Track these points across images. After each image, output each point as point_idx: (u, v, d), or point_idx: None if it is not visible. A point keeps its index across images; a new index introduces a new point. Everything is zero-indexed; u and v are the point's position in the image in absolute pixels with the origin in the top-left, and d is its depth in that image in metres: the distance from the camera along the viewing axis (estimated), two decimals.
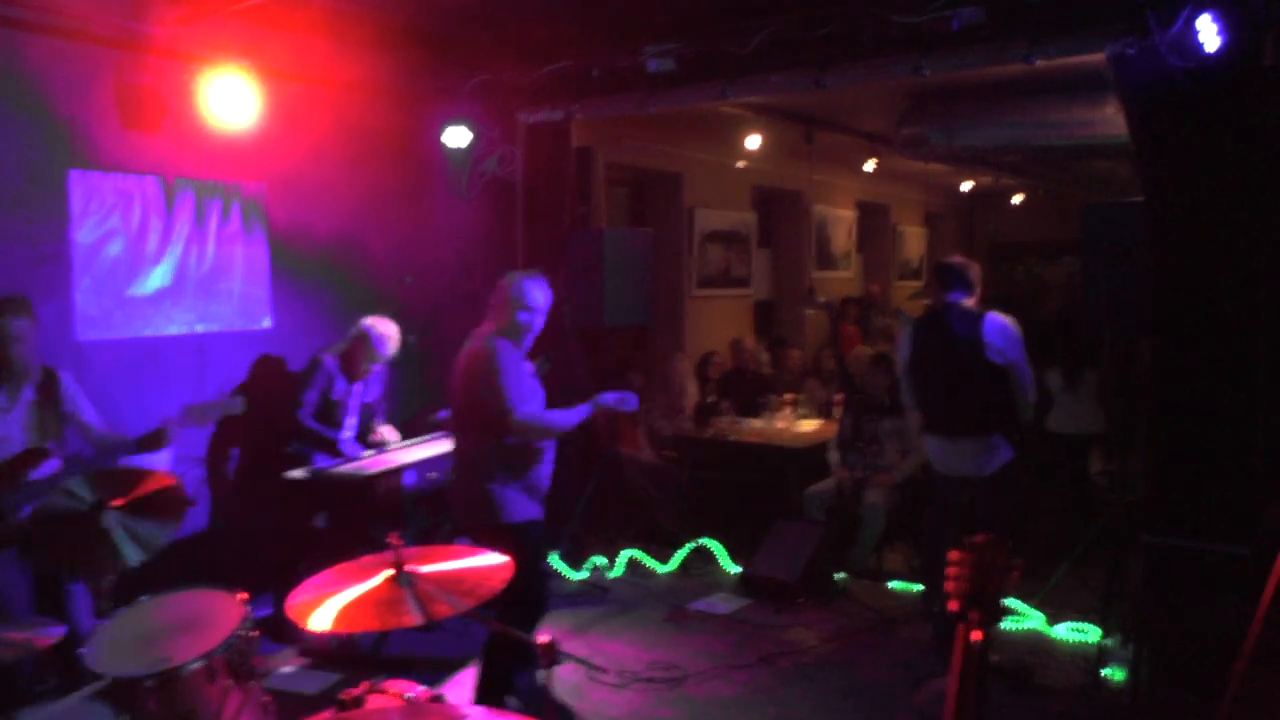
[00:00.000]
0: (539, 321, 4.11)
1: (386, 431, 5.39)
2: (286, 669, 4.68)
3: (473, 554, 2.79)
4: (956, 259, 5.02)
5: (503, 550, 2.79)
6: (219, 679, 2.85)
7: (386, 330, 5.16)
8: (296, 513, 4.96)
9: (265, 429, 5.45)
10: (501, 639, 3.92)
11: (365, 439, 5.33)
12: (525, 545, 3.78)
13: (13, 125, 4.48)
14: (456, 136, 6.16)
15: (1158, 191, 4.43)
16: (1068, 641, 5.02)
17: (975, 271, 4.92)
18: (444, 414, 6.02)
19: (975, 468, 4.71)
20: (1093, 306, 4.74)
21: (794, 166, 10.14)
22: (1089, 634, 4.95)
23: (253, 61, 5.06)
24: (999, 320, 4.67)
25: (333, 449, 5.11)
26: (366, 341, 5.12)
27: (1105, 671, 4.55)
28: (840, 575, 5.95)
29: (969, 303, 4.83)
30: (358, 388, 5.24)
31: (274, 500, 5.18)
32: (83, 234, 4.75)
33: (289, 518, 5.00)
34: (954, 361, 4.73)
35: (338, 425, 5.18)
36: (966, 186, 13.75)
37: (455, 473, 4.20)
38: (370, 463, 5.02)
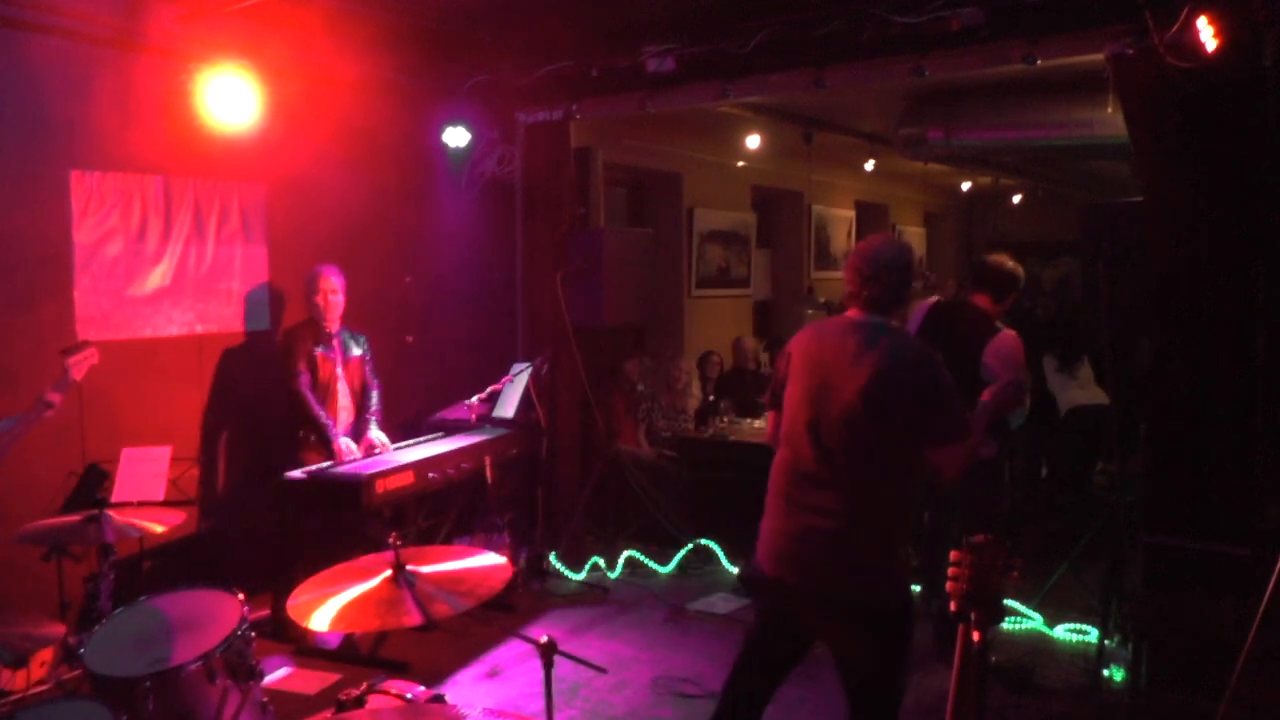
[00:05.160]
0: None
1: (378, 436, 5.36)
2: (285, 669, 4.67)
3: (472, 554, 2.78)
4: (1008, 263, 4.80)
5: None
6: (218, 679, 2.85)
7: (324, 266, 5.24)
8: (294, 513, 4.95)
9: (264, 430, 5.45)
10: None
11: (357, 434, 5.31)
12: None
13: (13, 125, 4.47)
14: (456, 136, 6.16)
15: (1158, 191, 4.43)
16: (1068, 641, 5.01)
17: (1013, 280, 4.76)
18: (444, 414, 6.03)
19: None
20: (1093, 306, 4.74)
21: (793, 166, 10.14)
22: (1089, 634, 4.95)
23: (252, 61, 5.06)
24: (1005, 344, 4.54)
25: (323, 435, 5.10)
26: (307, 282, 5.22)
27: (1105, 671, 4.54)
28: None
29: (989, 308, 4.74)
30: (339, 343, 5.27)
31: (272, 501, 5.17)
32: (83, 234, 4.75)
33: (287, 518, 5.00)
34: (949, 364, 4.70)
35: (332, 398, 5.21)
36: (966, 186, 13.75)
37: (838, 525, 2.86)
38: (368, 464, 5.02)
